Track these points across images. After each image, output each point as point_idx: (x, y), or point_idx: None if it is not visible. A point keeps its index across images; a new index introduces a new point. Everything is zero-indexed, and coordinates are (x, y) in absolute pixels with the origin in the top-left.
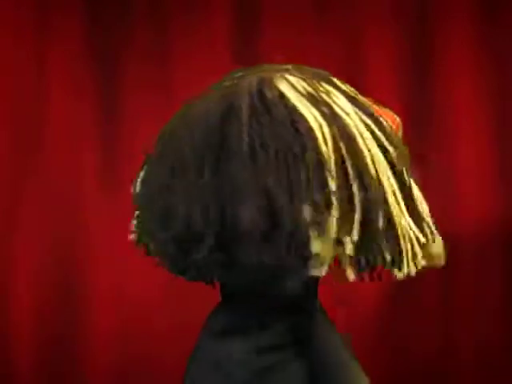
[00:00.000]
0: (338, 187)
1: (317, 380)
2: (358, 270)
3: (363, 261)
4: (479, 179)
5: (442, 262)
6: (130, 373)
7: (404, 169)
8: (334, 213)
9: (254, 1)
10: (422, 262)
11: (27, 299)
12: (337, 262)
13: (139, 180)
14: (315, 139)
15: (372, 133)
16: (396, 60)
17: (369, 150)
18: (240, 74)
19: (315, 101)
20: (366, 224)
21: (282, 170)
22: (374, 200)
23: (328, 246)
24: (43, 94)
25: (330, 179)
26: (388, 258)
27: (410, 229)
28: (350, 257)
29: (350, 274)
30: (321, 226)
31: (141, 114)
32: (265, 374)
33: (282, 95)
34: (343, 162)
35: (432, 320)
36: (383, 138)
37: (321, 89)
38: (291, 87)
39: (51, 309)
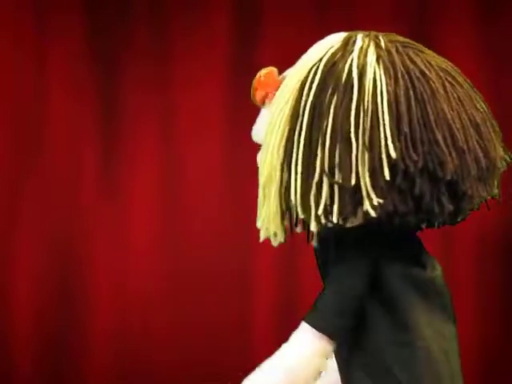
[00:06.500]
0: None
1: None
2: None
3: None
4: None
5: None
6: (129, 373)
7: None
8: None
9: (254, 1)
10: None
11: (27, 299)
12: None
13: None
14: None
15: None
16: None
17: None
18: None
19: None
20: None
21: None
22: None
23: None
24: (43, 94)
25: None
26: None
27: None
28: None
29: None
30: None
31: (141, 114)
32: None
33: None
34: None
35: None
36: None
37: None
38: None
39: (51, 309)
